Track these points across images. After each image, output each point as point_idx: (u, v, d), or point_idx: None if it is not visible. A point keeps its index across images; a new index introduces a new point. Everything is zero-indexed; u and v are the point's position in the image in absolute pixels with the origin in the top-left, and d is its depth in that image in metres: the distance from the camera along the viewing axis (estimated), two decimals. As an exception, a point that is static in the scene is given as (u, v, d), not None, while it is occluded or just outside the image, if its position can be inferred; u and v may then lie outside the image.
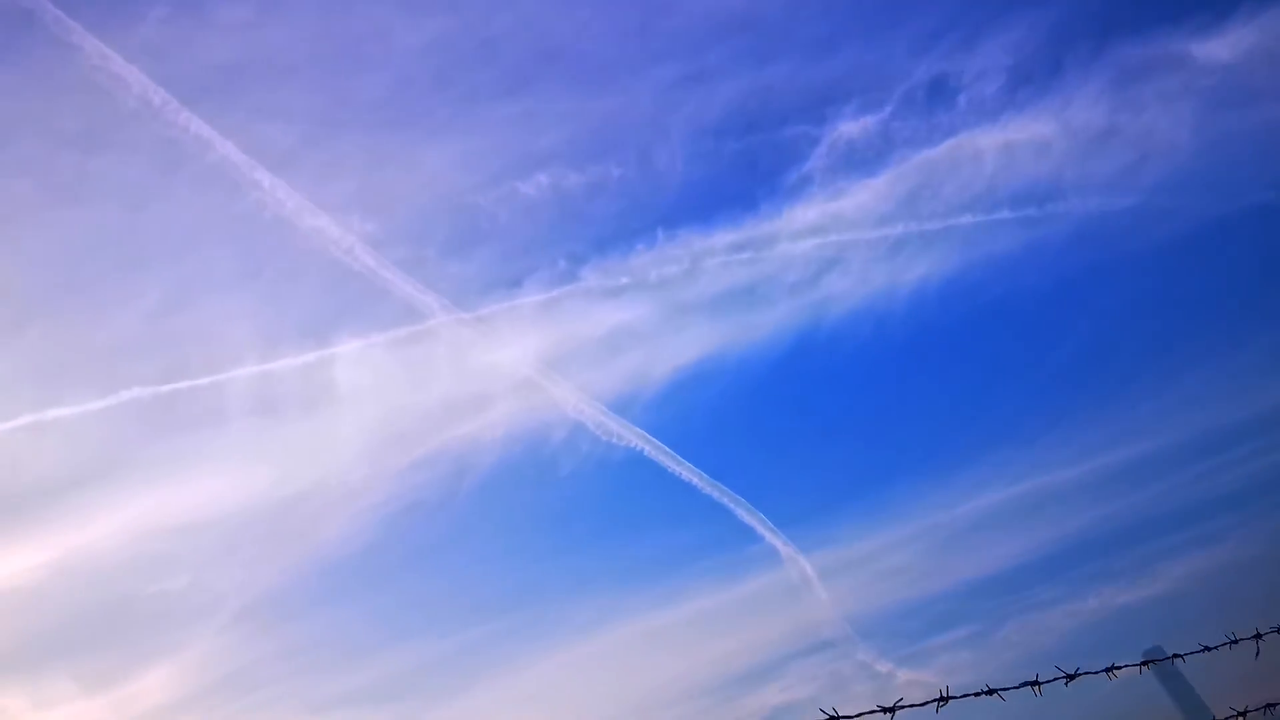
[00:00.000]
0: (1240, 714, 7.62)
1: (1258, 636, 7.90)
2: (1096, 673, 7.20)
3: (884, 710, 6.34)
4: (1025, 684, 6.85)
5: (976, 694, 6.62)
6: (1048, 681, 6.99)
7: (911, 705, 6.38)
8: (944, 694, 6.42)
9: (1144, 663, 7.65)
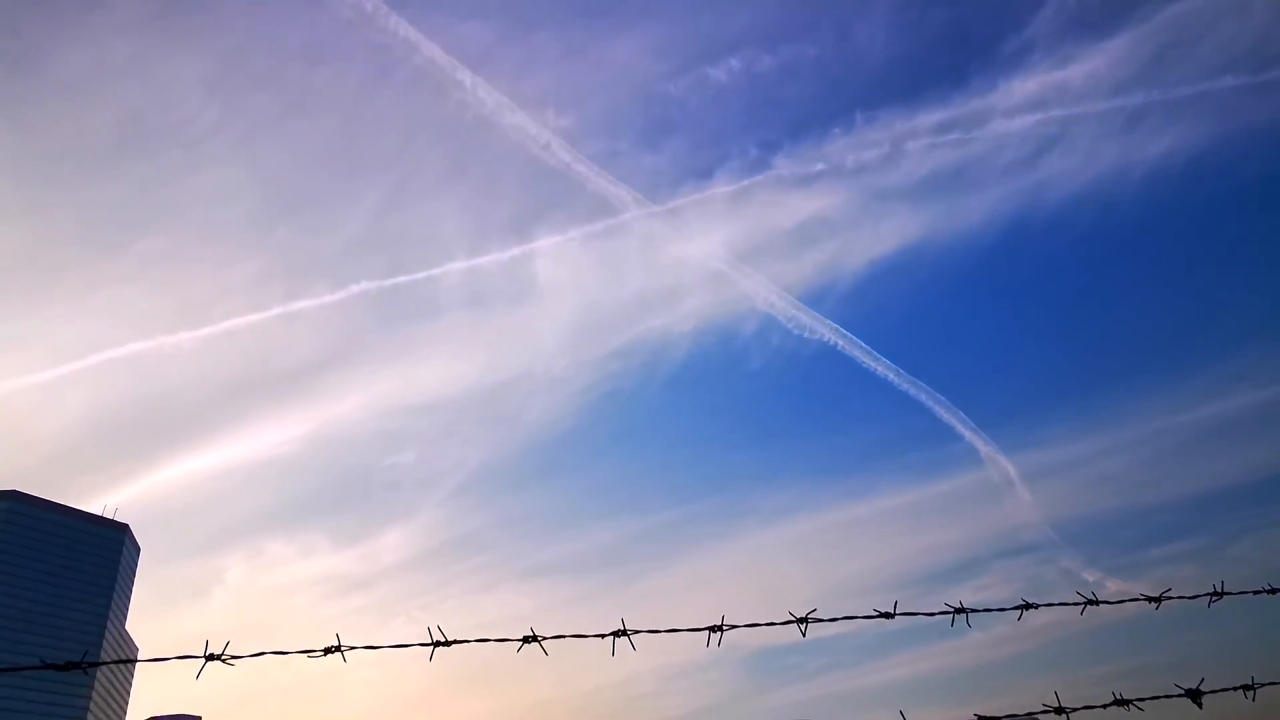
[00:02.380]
0: None
1: None
2: (1405, 580, 6.45)
3: (1149, 599, 6.08)
4: (1316, 585, 6.28)
5: (1255, 591, 6.17)
6: (1343, 584, 6.35)
7: (1181, 597, 6.08)
8: (1218, 588, 6.05)
9: None
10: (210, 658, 4.96)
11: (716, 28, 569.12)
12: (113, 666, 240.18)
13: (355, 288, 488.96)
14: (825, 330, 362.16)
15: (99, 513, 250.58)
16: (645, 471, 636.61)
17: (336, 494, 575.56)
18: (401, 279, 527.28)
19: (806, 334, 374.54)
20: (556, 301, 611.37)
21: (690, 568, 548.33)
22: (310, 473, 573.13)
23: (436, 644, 5.24)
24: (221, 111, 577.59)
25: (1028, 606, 5.84)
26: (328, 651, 5.19)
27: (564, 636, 5.38)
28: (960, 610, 5.70)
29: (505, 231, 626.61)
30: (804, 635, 5.67)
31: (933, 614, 5.70)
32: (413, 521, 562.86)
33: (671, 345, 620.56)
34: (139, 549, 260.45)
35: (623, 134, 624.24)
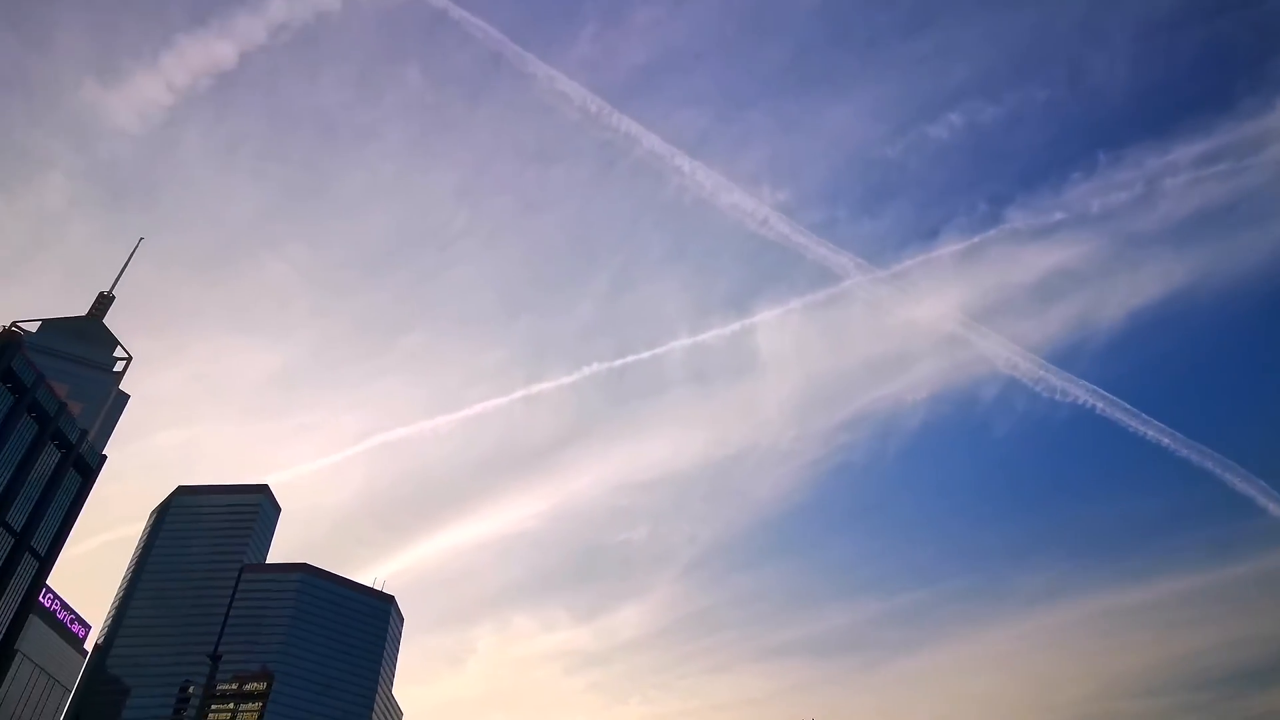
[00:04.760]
0: None
1: None
2: None
3: None
4: None
5: None
6: None
7: None
8: None
9: None
10: None
11: (933, 84, 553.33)
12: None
13: (588, 369, 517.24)
14: (1080, 391, 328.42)
15: (370, 584, 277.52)
16: (884, 549, 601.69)
17: (575, 569, 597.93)
18: (629, 359, 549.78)
19: (1058, 396, 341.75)
20: (780, 373, 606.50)
21: (939, 655, 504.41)
22: (551, 547, 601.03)
23: None
24: (470, 215, 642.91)
25: None
26: None
27: None
28: None
29: (726, 306, 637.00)
30: None
31: None
32: (646, 598, 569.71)
33: (904, 414, 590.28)
34: (403, 619, 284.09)
35: (841, 202, 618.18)
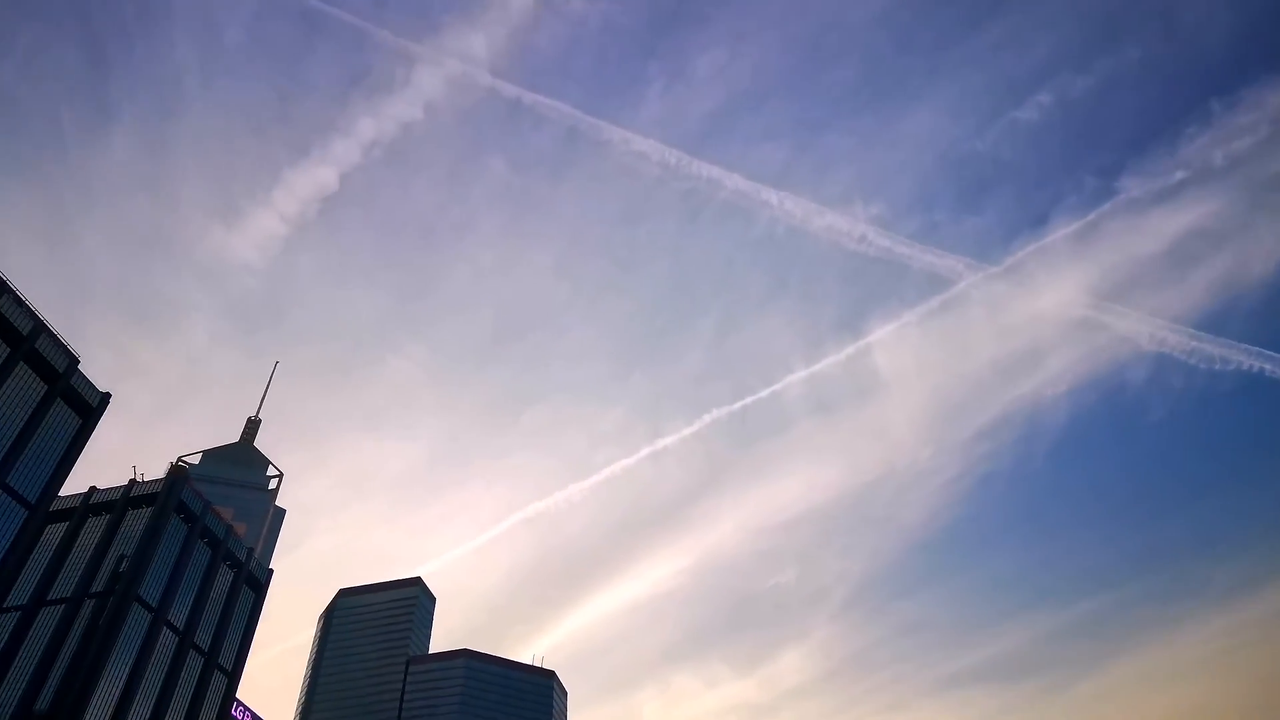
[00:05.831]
0: None
1: None
2: None
3: None
4: None
5: None
6: None
7: None
8: None
9: None
10: None
11: (1012, 69, 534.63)
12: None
13: (708, 417, 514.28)
14: (1241, 356, 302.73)
15: (530, 661, 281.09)
16: (1049, 558, 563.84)
17: (728, 620, 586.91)
18: (748, 400, 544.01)
19: (1217, 366, 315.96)
20: (905, 390, 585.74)
21: (1133, 665, 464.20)
22: (701, 601, 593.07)
23: None
24: (571, 286, 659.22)
25: None
26: None
27: None
28: None
29: (837, 331, 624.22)
30: None
31: None
32: (806, 641, 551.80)
33: (1046, 412, 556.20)
34: (566, 692, 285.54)
35: (937, 205, 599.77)
